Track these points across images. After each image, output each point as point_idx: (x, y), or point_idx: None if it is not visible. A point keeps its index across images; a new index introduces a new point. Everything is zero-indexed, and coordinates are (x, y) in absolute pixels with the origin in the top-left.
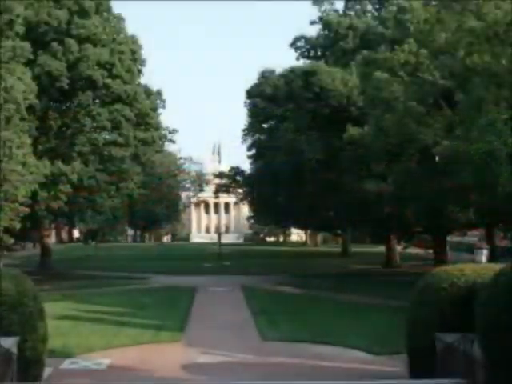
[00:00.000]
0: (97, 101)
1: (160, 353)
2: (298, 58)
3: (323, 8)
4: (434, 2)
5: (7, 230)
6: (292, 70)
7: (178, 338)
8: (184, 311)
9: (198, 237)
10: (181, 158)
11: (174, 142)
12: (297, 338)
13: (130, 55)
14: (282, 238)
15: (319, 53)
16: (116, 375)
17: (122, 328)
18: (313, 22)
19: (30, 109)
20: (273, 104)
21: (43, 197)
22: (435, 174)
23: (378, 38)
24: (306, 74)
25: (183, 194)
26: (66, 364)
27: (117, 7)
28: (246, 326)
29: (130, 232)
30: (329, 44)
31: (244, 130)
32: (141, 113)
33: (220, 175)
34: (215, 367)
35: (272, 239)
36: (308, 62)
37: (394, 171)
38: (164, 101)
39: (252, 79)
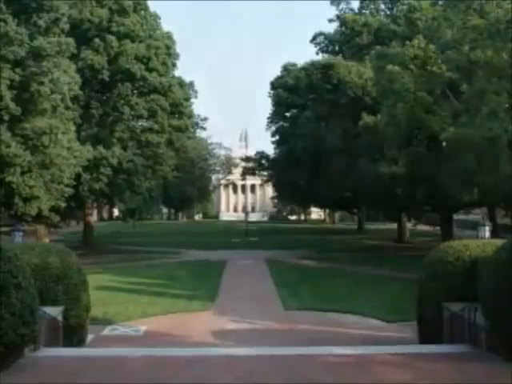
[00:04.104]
0: (135, 91)
1: (192, 320)
2: (317, 53)
3: (340, 7)
4: (441, 2)
5: (54, 209)
6: (312, 64)
7: (208, 307)
8: (214, 282)
9: (226, 215)
10: (211, 144)
11: (205, 128)
12: (317, 307)
13: (165, 50)
14: (303, 216)
15: (337, 48)
16: (152, 341)
17: (157, 298)
18: (331, 20)
19: (74, 99)
20: (294, 94)
21: (86, 179)
22: (442, 158)
23: (390, 35)
24: (325, 67)
25: (213, 176)
26: (107, 330)
27: (155, 4)
28: (271, 296)
29: (165, 211)
30: (345, 40)
31: (268, 118)
32: (175, 102)
33: (247, 159)
34: (242, 334)
35: (294, 217)
36: (326, 56)
37: (404, 155)
38: (196, 91)
39: (275, 72)
